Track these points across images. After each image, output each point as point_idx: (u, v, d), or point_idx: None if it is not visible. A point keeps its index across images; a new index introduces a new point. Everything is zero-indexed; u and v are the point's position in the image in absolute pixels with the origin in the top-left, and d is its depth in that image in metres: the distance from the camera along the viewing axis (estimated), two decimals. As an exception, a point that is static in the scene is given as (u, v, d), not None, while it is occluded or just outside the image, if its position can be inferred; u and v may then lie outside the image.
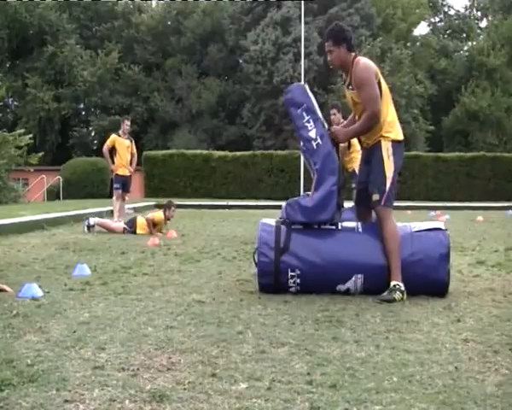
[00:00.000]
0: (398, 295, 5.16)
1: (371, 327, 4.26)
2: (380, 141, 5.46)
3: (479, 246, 9.49)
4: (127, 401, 2.81)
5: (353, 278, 5.34)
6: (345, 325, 4.31)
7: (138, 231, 11.44)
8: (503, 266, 7.19)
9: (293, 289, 5.41)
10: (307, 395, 2.89)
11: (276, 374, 3.19)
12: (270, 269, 5.40)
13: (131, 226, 11.63)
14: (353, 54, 5.58)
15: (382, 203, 5.42)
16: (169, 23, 50.81)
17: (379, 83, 5.48)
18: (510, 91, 47.56)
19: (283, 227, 5.51)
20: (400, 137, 5.56)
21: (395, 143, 5.49)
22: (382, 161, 5.43)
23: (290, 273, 5.37)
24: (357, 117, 5.72)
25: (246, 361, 3.41)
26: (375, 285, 5.31)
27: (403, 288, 5.21)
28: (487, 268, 7.12)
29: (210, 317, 4.51)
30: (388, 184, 5.42)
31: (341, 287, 5.37)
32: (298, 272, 5.36)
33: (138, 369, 3.26)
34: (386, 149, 5.44)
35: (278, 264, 5.38)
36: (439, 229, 5.58)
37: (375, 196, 5.45)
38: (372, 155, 5.54)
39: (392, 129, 5.51)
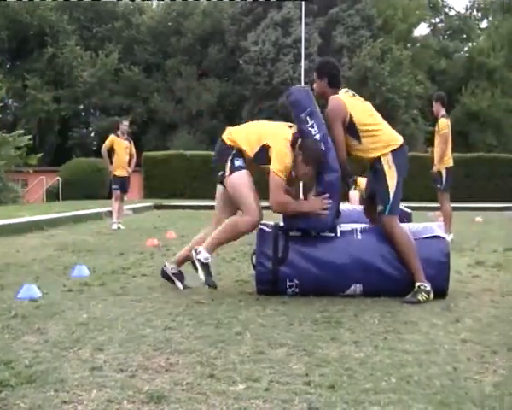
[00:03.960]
0: (422, 296, 5.15)
1: (370, 328, 4.26)
2: (379, 157, 5.49)
3: (478, 247, 9.50)
4: (125, 402, 2.81)
5: (352, 288, 5.33)
6: (343, 325, 4.32)
7: None
8: (502, 267, 7.19)
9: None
10: (305, 396, 2.89)
11: (274, 375, 3.19)
12: (268, 278, 5.38)
13: None
14: (332, 90, 5.68)
15: (386, 213, 5.43)
16: (169, 24, 50.63)
17: (351, 118, 5.50)
18: (510, 92, 47.53)
19: (281, 235, 5.48)
20: (398, 143, 5.57)
21: (394, 151, 5.51)
22: (384, 173, 5.45)
23: (288, 283, 5.34)
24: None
25: (244, 362, 3.41)
26: (375, 291, 5.31)
27: (428, 287, 5.21)
28: (486, 269, 7.12)
29: (208, 318, 4.51)
30: (392, 194, 5.43)
31: (341, 294, 5.36)
32: (296, 281, 5.33)
33: (136, 370, 3.26)
34: (387, 161, 5.46)
35: (276, 273, 5.34)
36: (439, 237, 5.55)
37: (380, 207, 5.48)
38: (374, 167, 5.57)
39: (387, 143, 5.53)
